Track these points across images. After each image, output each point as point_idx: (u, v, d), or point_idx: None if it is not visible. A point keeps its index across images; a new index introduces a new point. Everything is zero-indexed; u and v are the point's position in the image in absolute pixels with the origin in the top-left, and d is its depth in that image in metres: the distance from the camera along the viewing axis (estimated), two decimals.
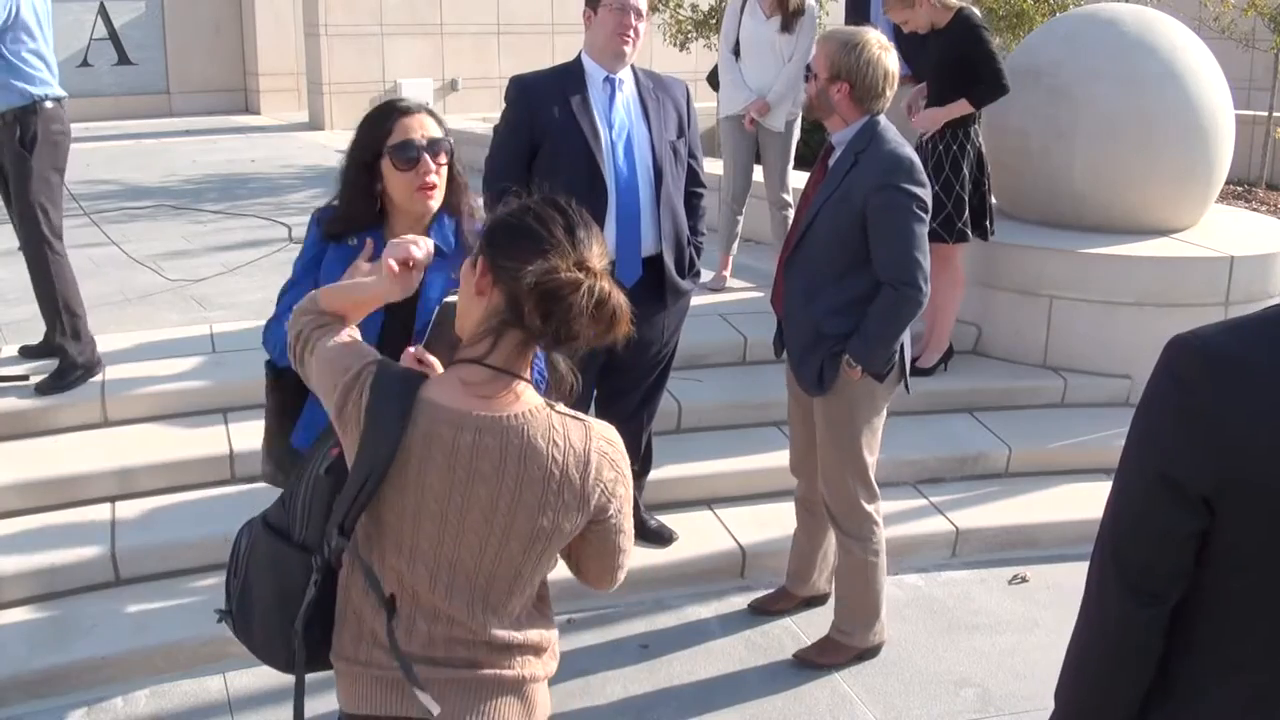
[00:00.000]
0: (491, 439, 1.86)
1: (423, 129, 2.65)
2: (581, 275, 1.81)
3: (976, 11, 5.55)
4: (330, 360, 1.98)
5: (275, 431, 2.92)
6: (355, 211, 2.71)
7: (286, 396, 2.83)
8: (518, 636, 1.97)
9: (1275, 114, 10.99)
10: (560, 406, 1.94)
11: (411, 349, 2.31)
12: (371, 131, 2.68)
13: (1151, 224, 5.98)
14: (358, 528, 1.92)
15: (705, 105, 9.86)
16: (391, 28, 13.87)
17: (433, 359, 2.20)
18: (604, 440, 1.95)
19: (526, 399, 1.91)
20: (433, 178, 2.64)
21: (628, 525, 2.03)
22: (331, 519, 1.93)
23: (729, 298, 6.30)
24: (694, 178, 4.21)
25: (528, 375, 1.92)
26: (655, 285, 4.09)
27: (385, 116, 2.68)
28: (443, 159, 2.67)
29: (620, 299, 1.84)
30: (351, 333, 2.08)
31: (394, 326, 2.66)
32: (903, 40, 5.90)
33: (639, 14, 3.98)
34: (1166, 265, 5.65)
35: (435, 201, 2.67)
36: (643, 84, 4.10)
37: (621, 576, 2.08)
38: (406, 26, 13.93)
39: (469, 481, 1.86)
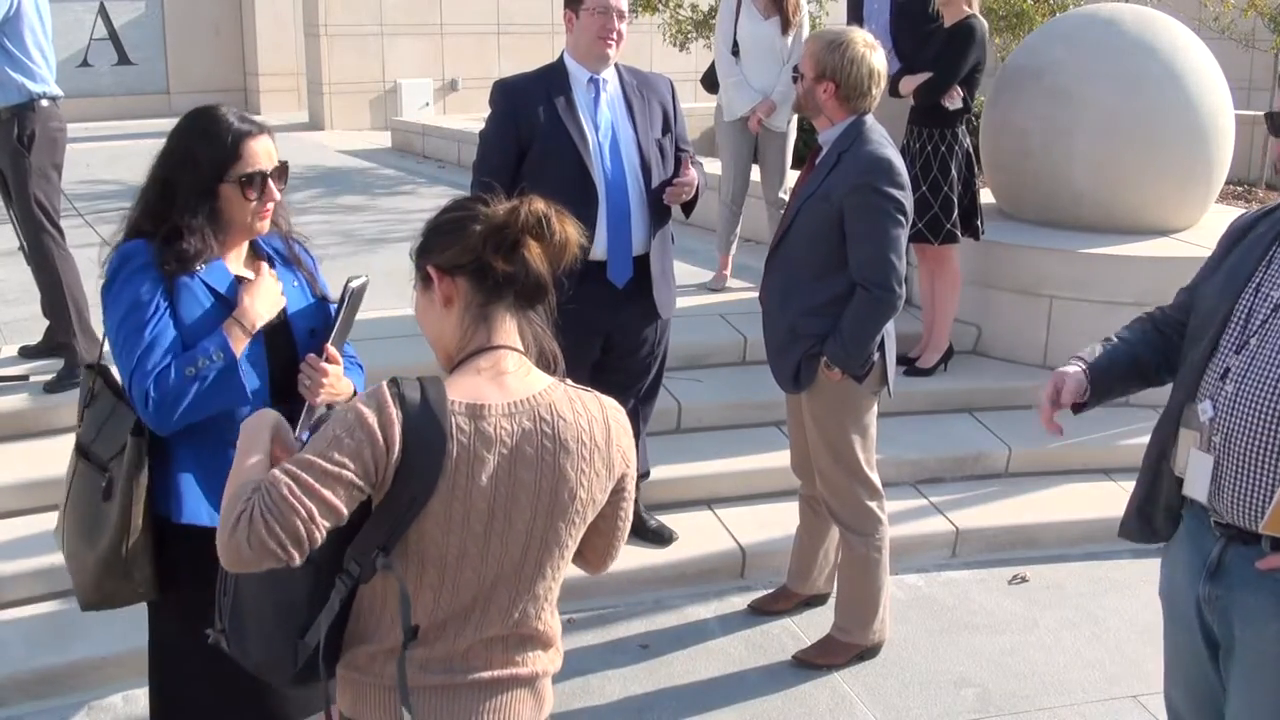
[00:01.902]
0: (528, 421, 1.88)
1: (269, 155, 2.56)
2: (515, 203, 1.90)
3: (984, 24, 5.54)
4: (343, 446, 1.79)
5: (132, 521, 2.48)
6: (209, 240, 2.51)
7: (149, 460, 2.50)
8: (540, 626, 1.98)
9: None
10: (568, 380, 1.98)
11: (312, 356, 2.47)
12: (216, 154, 2.51)
13: (1151, 224, 5.98)
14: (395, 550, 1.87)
15: (703, 106, 9.88)
16: (391, 28, 13.87)
17: (334, 353, 2.54)
18: (614, 408, 2.01)
19: (539, 375, 1.94)
20: (271, 203, 2.58)
21: (632, 499, 2.09)
22: (368, 539, 1.86)
23: (729, 298, 6.30)
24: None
25: (521, 347, 1.95)
26: (647, 285, 4.09)
27: (230, 139, 2.51)
28: (283, 183, 2.60)
29: (560, 213, 1.91)
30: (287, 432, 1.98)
31: (276, 345, 2.61)
32: (903, 38, 5.91)
33: (621, 15, 3.97)
34: (1166, 265, 5.64)
35: (268, 224, 2.62)
36: (627, 82, 4.10)
37: (617, 556, 2.14)
38: (406, 26, 13.93)
39: (513, 469, 1.86)
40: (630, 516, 2.11)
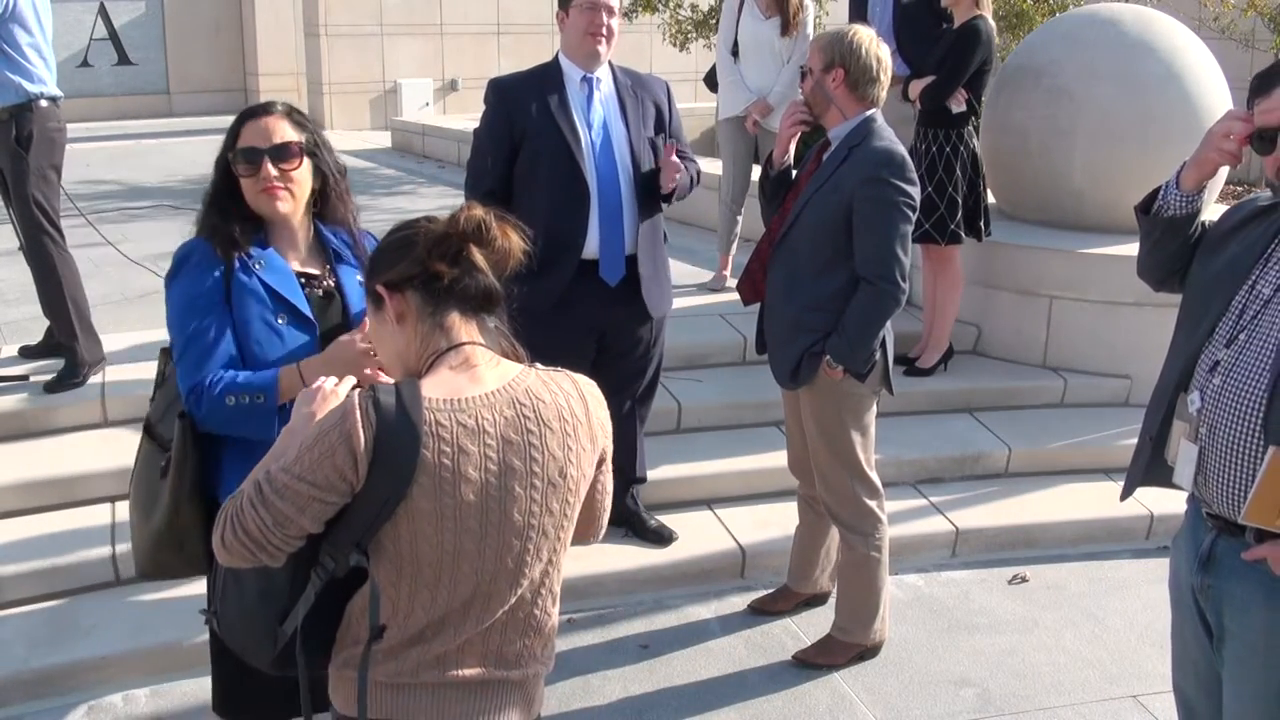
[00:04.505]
0: (508, 408, 1.89)
1: (269, 133, 2.51)
2: (455, 212, 1.93)
3: (991, 26, 5.54)
4: (303, 461, 1.83)
5: (180, 500, 2.57)
6: (231, 214, 2.54)
7: (198, 452, 2.55)
8: (538, 614, 1.99)
9: None
10: (538, 365, 2.01)
11: (352, 335, 2.41)
12: (228, 135, 2.56)
13: None
14: (372, 547, 1.89)
15: (703, 106, 9.89)
16: (391, 28, 13.88)
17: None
18: (586, 383, 2.05)
19: (509, 364, 1.97)
20: (276, 181, 2.51)
21: (610, 470, 2.13)
22: (344, 535, 1.88)
23: (729, 297, 6.29)
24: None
25: (484, 342, 1.97)
26: (640, 285, 4.10)
27: (240, 119, 2.56)
28: (291, 164, 2.52)
29: (501, 219, 1.94)
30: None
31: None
32: (906, 41, 5.91)
33: (610, 11, 3.98)
34: None
35: (284, 204, 2.54)
36: (621, 82, 4.11)
37: (604, 526, 2.18)
38: (406, 26, 13.95)
39: (502, 459, 1.87)
40: (611, 488, 2.14)
